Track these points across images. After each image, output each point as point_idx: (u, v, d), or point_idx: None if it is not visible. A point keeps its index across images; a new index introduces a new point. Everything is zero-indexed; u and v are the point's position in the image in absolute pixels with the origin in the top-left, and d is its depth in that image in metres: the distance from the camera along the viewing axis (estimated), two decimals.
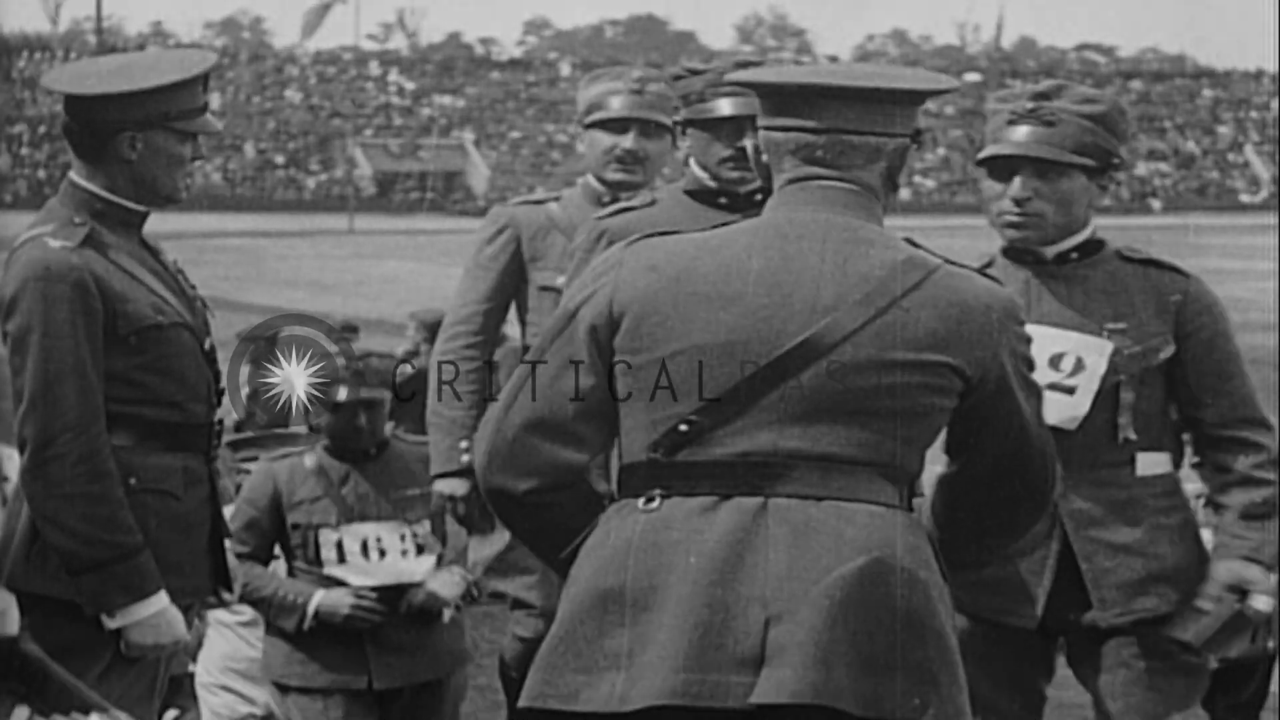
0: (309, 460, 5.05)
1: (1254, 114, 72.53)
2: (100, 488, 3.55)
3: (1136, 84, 72.92)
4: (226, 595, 3.98)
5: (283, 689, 5.05)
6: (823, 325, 2.72)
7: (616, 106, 4.59)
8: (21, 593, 3.45)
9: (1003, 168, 3.70)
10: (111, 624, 3.62)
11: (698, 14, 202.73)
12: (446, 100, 68.48)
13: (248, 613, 5.39)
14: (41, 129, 62.55)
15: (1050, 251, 3.74)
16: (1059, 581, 3.70)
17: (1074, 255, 3.74)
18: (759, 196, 4.35)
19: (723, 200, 4.17)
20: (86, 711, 3.85)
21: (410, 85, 68.96)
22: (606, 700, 2.68)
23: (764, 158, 2.92)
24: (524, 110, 68.60)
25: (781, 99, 2.86)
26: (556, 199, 4.70)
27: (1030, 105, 3.68)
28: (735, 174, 4.13)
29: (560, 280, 4.50)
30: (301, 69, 69.81)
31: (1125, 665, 3.72)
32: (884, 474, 2.76)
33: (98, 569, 3.58)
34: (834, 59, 78.05)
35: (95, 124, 3.65)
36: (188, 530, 3.79)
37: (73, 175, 3.72)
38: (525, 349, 4.61)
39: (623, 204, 4.44)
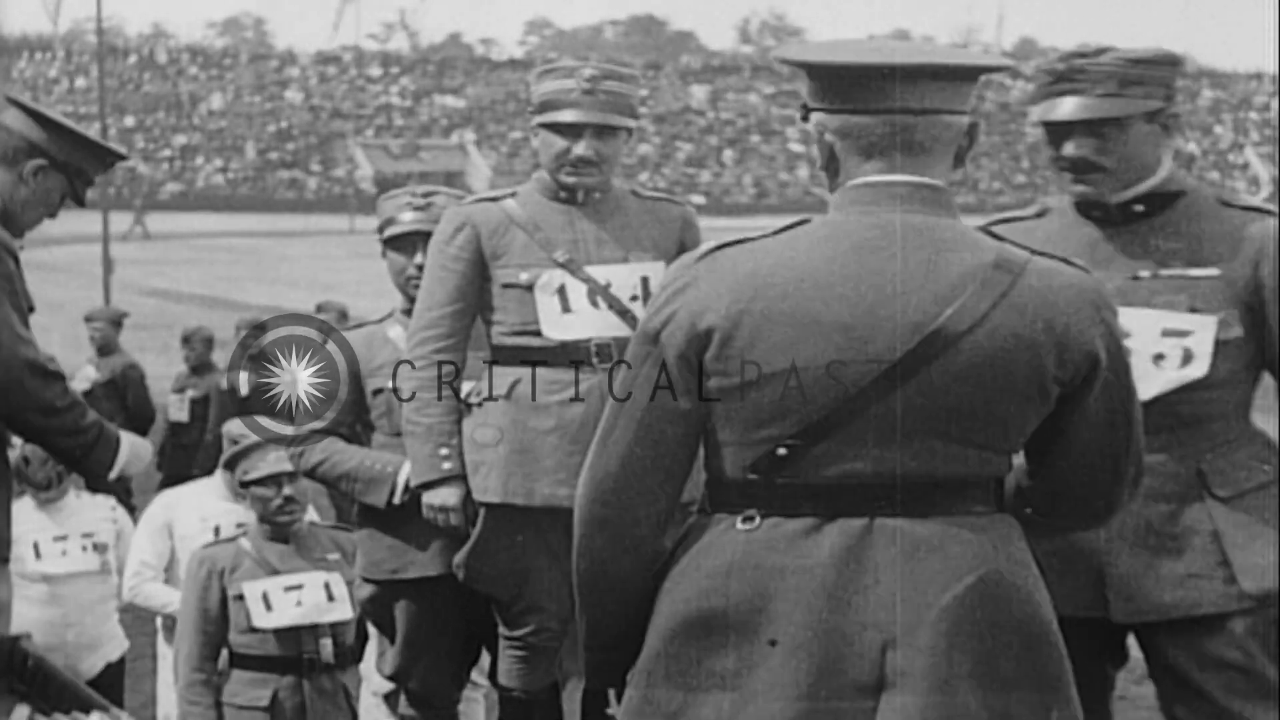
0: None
1: (1254, 114, 72.56)
2: None
3: None
4: None
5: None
6: (916, 343, 2.65)
7: (569, 111, 4.49)
8: None
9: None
10: None
11: (697, 14, 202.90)
12: (447, 101, 68.48)
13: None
14: None
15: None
16: None
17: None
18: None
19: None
20: (87, 711, 3.86)
21: (411, 86, 68.98)
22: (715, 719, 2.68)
23: (828, 140, 2.77)
24: (524, 111, 67.93)
25: (851, 82, 2.71)
26: (513, 195, 4.60)
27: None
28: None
29: (524, 276, 4.48)
30: (302, 69, 69.80)
31: None
32: (984, 484, 2.73)
33: None
34: None
35: None
36: None
37: None
38: (492, 348, 4.56)
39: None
